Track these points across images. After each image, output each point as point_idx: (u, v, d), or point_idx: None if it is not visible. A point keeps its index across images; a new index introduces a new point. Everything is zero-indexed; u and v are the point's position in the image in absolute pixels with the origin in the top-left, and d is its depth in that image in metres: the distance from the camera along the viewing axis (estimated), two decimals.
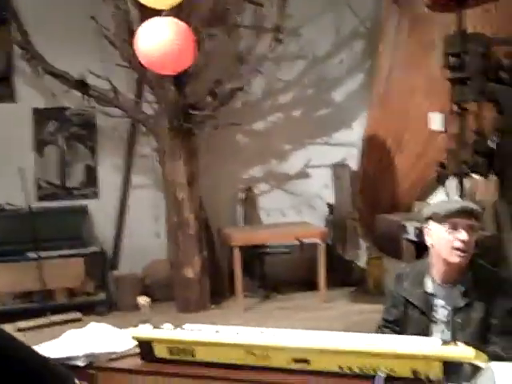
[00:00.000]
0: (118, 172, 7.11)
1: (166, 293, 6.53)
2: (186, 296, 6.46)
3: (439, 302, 2.66)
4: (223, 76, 6.52)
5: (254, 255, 7.08)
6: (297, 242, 6.92)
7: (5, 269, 6.26)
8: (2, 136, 6.70)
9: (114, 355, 2.31)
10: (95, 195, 7.08)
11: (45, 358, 0.55)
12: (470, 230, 2.59)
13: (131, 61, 5.94)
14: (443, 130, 6.01)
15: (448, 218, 2.59)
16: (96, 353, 2.30)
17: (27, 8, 6.65)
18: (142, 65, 3.70)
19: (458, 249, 2.58)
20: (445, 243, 2.60)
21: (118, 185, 7.12)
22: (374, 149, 7.32)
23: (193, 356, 2.14)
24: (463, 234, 2.57)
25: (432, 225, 2.67)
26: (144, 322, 2.49)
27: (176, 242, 6.48)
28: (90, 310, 6.42)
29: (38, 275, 6.26)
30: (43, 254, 6.28)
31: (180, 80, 6.15)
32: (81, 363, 2.28)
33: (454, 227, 2.58)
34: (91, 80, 6.38)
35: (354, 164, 7.61)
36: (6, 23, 6.65)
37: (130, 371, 2.24)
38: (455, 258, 2.59)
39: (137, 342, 2.27)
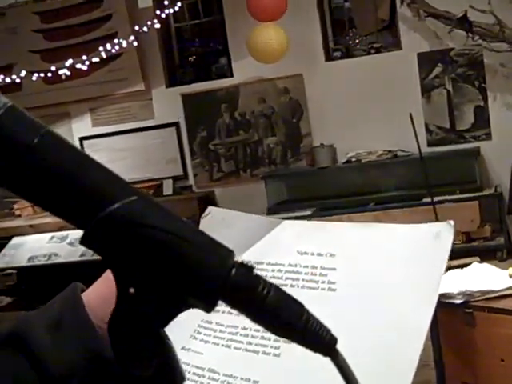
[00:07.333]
0: (510, 110, 6.71)
1: None
2: None
3: None
4: None
5: None
6: None
7: (403, 214, 6.45)
8: (392, 84, 6.87)
9: (491, 294, 2.20)
10: (488, 136, 6.81)
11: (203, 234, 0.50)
12: None
13: None
14: None
15: None
16: (472, 290, 2.23)
17: None
18: None
19: None
20: None
21: (511, 124, 6.71)
22: None
23: None
24: None
25: None
26: None
27: None
28: (488, 255, 6.23)
29: (434, 220, 6.29)
30: (437, 198, 6.28)
31: None
32: (457, 301, 2.24)
33: None
34: (474, 16, 6.10)
35: None
36: None
37: (509, 312, 2.12)
38: None
39: None
